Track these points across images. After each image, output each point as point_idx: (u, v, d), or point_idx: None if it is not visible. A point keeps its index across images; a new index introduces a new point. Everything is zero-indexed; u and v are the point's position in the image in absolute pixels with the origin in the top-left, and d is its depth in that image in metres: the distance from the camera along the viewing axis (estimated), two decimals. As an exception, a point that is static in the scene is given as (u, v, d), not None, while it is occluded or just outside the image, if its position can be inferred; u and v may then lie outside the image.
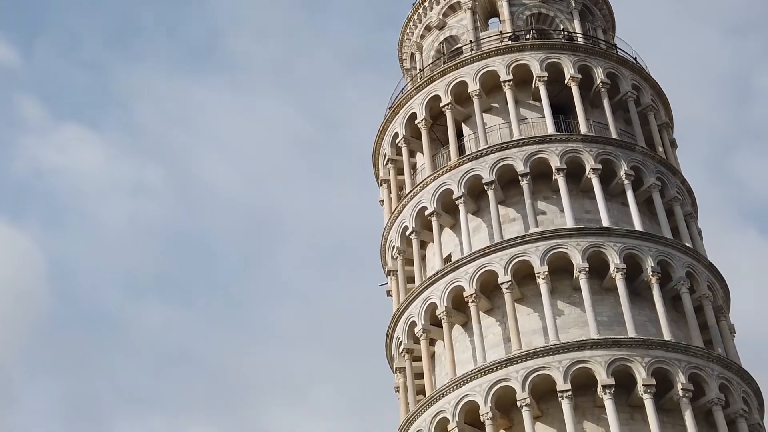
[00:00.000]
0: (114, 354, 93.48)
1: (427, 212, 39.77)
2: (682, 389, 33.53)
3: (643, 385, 33.33)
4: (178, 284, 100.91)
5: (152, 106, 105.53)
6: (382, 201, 44.22)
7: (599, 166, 38.45)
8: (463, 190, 39.03)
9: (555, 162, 38.40)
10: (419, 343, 37.89)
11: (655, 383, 33.42)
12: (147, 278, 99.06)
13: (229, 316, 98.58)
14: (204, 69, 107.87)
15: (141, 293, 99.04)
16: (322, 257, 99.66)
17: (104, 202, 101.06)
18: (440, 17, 45.80)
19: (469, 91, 41.11)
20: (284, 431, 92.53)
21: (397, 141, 43.16)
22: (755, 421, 35.18)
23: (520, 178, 38.38)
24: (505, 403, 34.38)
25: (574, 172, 38.62)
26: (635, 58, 43.12)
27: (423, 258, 40.76)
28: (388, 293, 41.95)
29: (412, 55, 47.22)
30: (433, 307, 37.53)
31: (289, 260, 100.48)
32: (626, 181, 38.56)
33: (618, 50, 43.26)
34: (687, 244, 38.20)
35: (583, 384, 33.72)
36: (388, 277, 42.00)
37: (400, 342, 38.71)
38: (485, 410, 34.06)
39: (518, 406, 33.74)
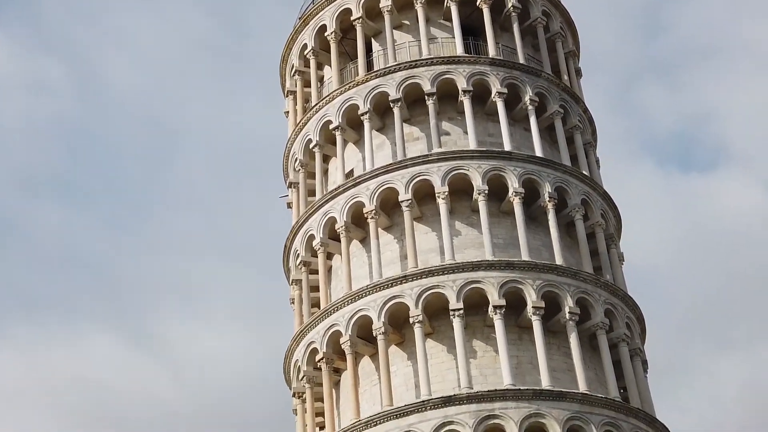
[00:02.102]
0: (9, 256, 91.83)
1: (331, 126, 39.67)
2: (569, 313, 34.49)
3: (532, 307, 34.17)
4: (76, 186, 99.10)
5: (57, 2, 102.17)
6: (287, 112, 43.91)
7: (505, 90, 38.76)
8: (368, 106, 38.99)
9: (462, 83, 38.57)
10: (317, 257, 38.09)
11: (544, 306, 34.30)
12: (44, 179, 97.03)
13: (128, 220, 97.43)
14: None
15: (38, 194, 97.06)
16: (224, 166, 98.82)
17: (1, 98, 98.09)
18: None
19: (380, 6, 40.83)
20: (180, 340, 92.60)
21: (305, 52, 42.76)
22: (636, 346, 36.46)
23: (426, 97, 38.48)
24: (397, 319, 34.93)
25: (480, 94, 38.86)
26: (547, -16, 43.23)
27: (325, 172, 40.79)
28: (289, 205, 41.95)
29: (326, -35, 46.48)
30: (332, 221, 37.69)
31: (191, 166, 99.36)
32: (530, 107, 39.00)
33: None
34: (584, 172, 38.97)
35: (475, 304, 34.42)
36: (290, 189, 41.96)
37: (298, 254, 38.86)
38: (378, 325, 34.55)
39: (411, 322, 34.30)
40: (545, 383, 32.90)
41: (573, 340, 34.13)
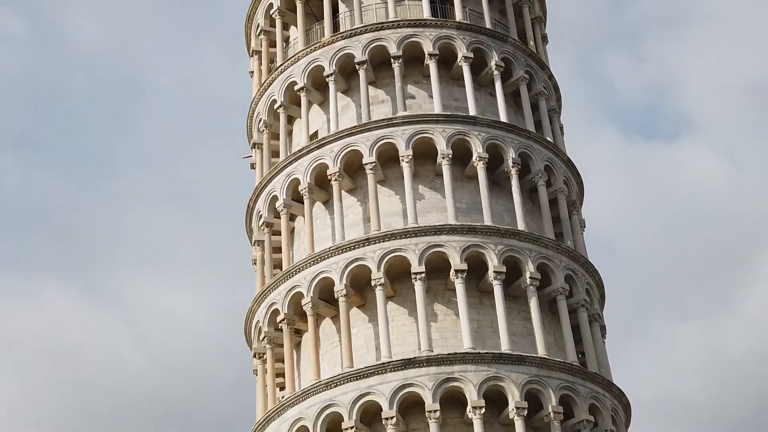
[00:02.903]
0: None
1: (296, 87, 39.47)
2: (530, 278, 34.73)
3: (493, 271, 34.37)
4: (37, 141, 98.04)
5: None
6: (252, 72, 43.61)
7: (471, 55, 38.73)
8: (334, 67, 38.82)
9: (428, 47, 38.49)
10: (279, 218, 38.04)
11: (505, 270, 34.51)
12: (5, 133, 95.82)
13: (89, 176, 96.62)
14: None
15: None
16: (188, 124, 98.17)
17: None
18: None
19: (347, -33, 40.57)
20: (141, 297, 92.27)
21: (271, 12, 42.43)
22: (595, 312, 36.83)
23: (392, 60, 38.37)
24: (359, 281, 35.01)
25: (446, 58, 38.81)
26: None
27: (289, 133, 40.65)
28: (252, 166, 41.76)
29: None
30: (295, 182, 37.60)
31: (155, 124, 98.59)
32: (496, 72, 39.01)
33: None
34: (548, 139, 39.10)
35: (437, 267, 34.56)
36: (253, 150, 41.78)
37: (261, 215, 38.77)
38: (340, 287, 34.62)
39: (372, 285, 34.40)
40: (505, 347, 33.18)
41: (533, 304, 34.41)
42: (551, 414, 32.46)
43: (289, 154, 38.63)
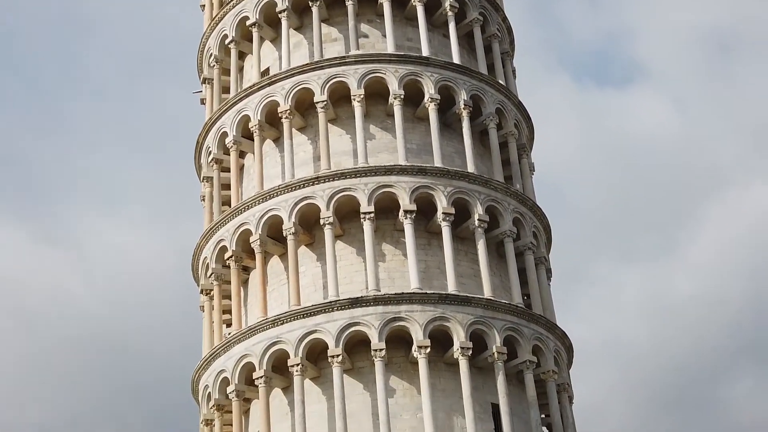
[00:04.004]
0: None
1: (248, 22, 38.99)
2: (478, 220, 34.94)
3: (442, 213, 34.51)
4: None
5: None
6: (203, 6, 42.95)
7: (425, -6, 38.48)
8: (287, 3, 38.39)
9: (382, -15, 38.15)
10: (229, 155, 37.76)
11: (454, 212, 34.67)
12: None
13: (39, 114, 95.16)
14: None
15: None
16: (138, 59, 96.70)
17: None
18: None
19: None
20: (89, 234, 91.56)
21: (223, -55, 41.70)
22: (541, 255, 37.20)
23: (345, -3, 38.01)
24: (308, 219, 35.00)
25: (401, -2, 38.54)
26: None
27: (240, 69, 40.23)
28: (202, 101, 41.36)
29: None
30: (246, 119, 37.31)
31: (104, 60, 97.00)
32: (450, 13, 38.81)
33: None
34: (500, 82, 39.10)
35: (386, 207, 34.63)
36: (204, 85, 41.32)
37: (210, 151, 38.48)
38: (288, 225, 34.58)
39: (321, 224, 34.40)
40: (451, 288, 33.45)
41: (480, 247, 34.66)
42: (495, 354, 32.88)
43: (239, 90, 38.26)
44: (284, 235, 34.71)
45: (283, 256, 35.31)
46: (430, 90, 36.57)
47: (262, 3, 38.76)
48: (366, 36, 38.28)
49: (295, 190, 34.99)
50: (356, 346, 32.86)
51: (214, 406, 34.60)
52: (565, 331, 35.86)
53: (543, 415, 34.84)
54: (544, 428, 34.96)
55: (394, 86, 36.36)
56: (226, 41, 39.65)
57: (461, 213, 35.00)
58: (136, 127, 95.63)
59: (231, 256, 35.66)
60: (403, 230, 34.37)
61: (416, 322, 32.56)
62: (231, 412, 34.19)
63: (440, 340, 32.81)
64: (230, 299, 36.06)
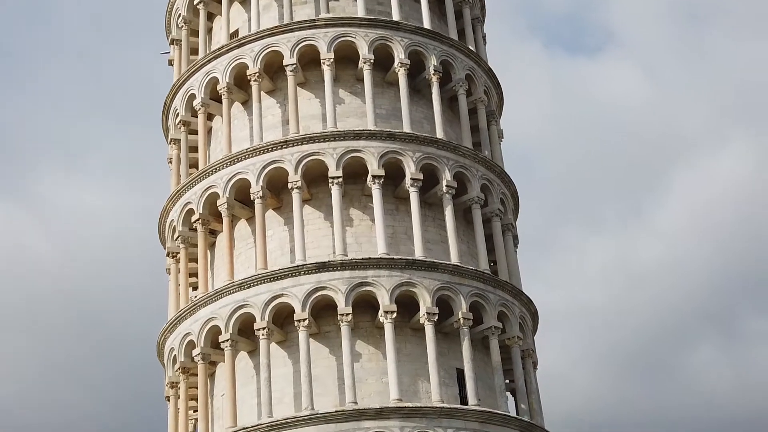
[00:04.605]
0: None
1: (217, -17, 38.60)
2: (446, 186, 34.97)
3: (411, 178, 34.51)
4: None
5: None
6: (172, -34, 42.40)
7: (396, -41, 38.20)
8: (257, -35, 37.99)
9: (353, -52, 37.84)
10: (197, 117, 37.50)
11: (422, 178, 34.68)
12: None
13: (5, 74, 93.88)
14: None
15: None
16: (105, 20, 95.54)
17: None
18: None
19: None
20: (55, 194, 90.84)
21: None
22: (509, 222, 37.34)
23: (316, -40, 37.66)
24: (276, 183, 34.88)
25: (372, -39, 38.23)
26: None
27: (209, 31, 39.84)
28: (170, 63, 40.96)
29: None
30: (214, 81, 37.01)
31: (71, 20, 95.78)
32: (420, -23, 38.60)
33: None
34: (470, 48, 38.99)
35: (355, 173, 34.57)
36: (172, 46, 40.92)
37: (178, 113, 38.17)
38: (256, 189, 34.46)
39: (289, 188, 34.30)
40: (418, 253, 33.52)
41: (448, 212, 34.72)
42: (461, 320, 33.05)
43: (208, 52, 37.92)
44: (252, 198, 34.59)
45: (251, 219, 35.22)
46: (400, 55, 36.43)
47: (232, -36, 38.35)
48: (336, -1, 38.01)
49: (263, 153, 34.83)
50: (323, 310, 32.91)
51: (179, 368, 34.58)
52: (530, 297, 36.09)
53: (507, 381, 35.15)
54: (508, 393, 35.29)
55: (364, 50, 36.17)
56: (195, 2, 39.25)
57: (429, 179, 35.02)
58: (103, 87, 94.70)
59: (198, 219, 35.51)
60: (371, 195, 34.36)
61: (383, 287, 32.64)
62: (196, 375, 34.19)
63: (406, 305, 32.92)
64: (197, 262, 35.95)
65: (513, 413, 34.01)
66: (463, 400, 32.65)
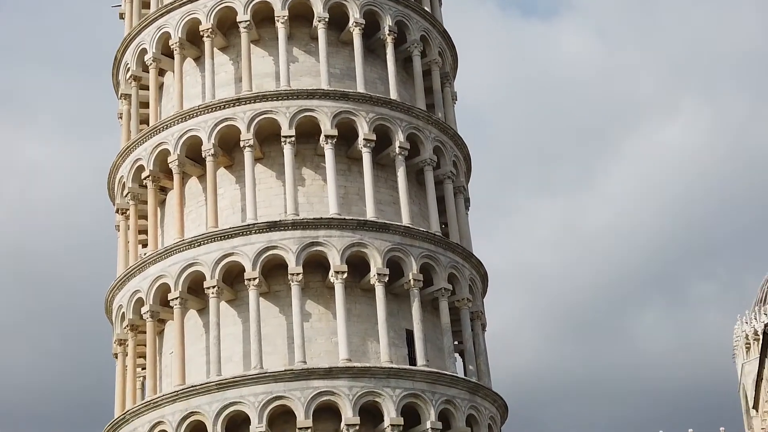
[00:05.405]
0: None
1: (170, -64, 37.91)
2: (399, 147, 34.93)
3: (363, 139, 34.42)
4: None
5: None
6: None
7: None
8: None
9: None
10: (148, 72, 37.00)
11: (375, 139, 34.60)
12: None
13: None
14: None
15: None
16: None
17: None
18: None
19: None
20: (2, 151, 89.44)
21: None
22: (460, 184, 37.44)
23: None
24: (228, 141, 34.63)
25: None
26: None
27: (162, -16, 39.20)
28: (121, 16, 40.28)
29: None
30: (166, 36, 36.50)
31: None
32: (376, -63, 38.21)
33: None
34: (425, 9, 38.80)
35: (307, 132, 34.40)
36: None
37: (128, 68, 37.63)
38: (208, 146, 34.18)
39: (241, 146, 34.07)
40: (370, 214, 33.54)
41: (400, 174, 34.72)
42: (411, 281, 33.19)
43: (160, 6, 37.35)
44: (203, 156, 34.32)
45: (202, 177, 34.96)
46: (354, 14, 36.18)
47: None
48: (291, -44, 37.51)
49: (215, 111, 34.52)
50: (273, 269, 32.86)
51: (127, 326, 34.40)
52: (480, 260, 36.30)
53: (456, 342, 35.42)
54: (457, 354, 35.58)
55: (318, 9, 35.87)
56: (146, -45, 38.58)
57: (382, 140, 34.95)
58: (52, 40, 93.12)
59: (148, 176, 35.18)
60: (324, 155, 34.26)
61: (334, 248, 32.64)
62: (145, 332, 34.05)
63: (357, 265, 32.97)
64: (146, 219, 35.67)
65: (461, 374, 34.32)
66: (412, 360, 32.87)
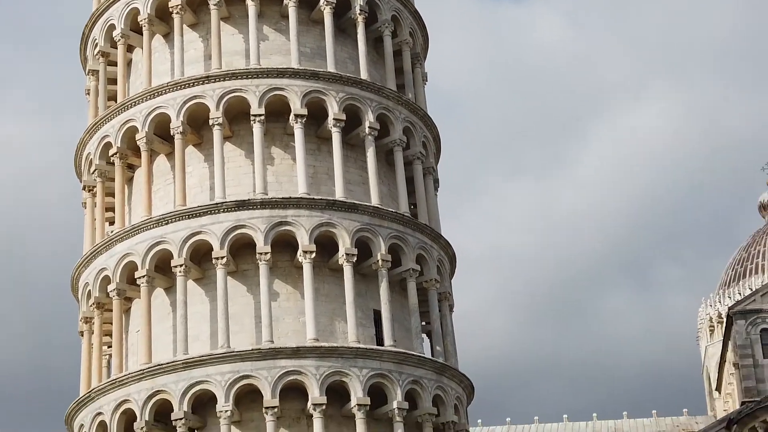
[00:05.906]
0: None
1: None
2: (369, 127, 34.87)
3: (333, 118, 34.33)
4: None
5: None
6: None
7: None
8: None
9: None
10: (116, 48, 36.66)
11: (345, 118, 34.52)
12: None
13: None
14: None
15: None
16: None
17: None
18: None
19: None
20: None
21: None
22: (430, 165, 37.45)
23: None
24: (197, 119, 34.43)
25: None
26: None
27: (131, -41, 38.78)
28: (90, -9, 39.85)
29: None
30: (135, 12, 36.15)
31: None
32: None
33: None
34: (397, -12, 38.66)
35: (277, 111, 34.26)
36: (91, -26, 39.81)
37: (97, 44, 37.27)
38: (176, 124, 33.97)
39: (210, 124, 33.89)
40: (339, 194, 33.51)
41: (370, 154, 34.68)
42: (379, 261, 33.22)
43: (128, -19, 36.99)
44: (172, 133, 34.11)
45: (170, 155, 34.76)
46: (325, -7, 35.99)
47: None
48: (262, -67, 37.25)
49: (184, 88, 34.30)
50: (241, 248, 32.78)
51: (94, 304, 34.22)
52: (449, 240, 36.38)
53: (423, 323, 35.53)
54: (424, 335, 35.70)
55: (289, -13, 35.65)
56: (116, -71, 38.09)
57: (352, 119, 34.88)
58: (19, 14, 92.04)
59: (116, 153, 34.93)
60: (293, 134, 34.16)
61: (302, 227, 32.59)
62: (111, 310, 33.88)
63: (326, 245, 32.95)
64: (114, 197, 35.45)
65: (428, 355, 34.43)
66: (380, 341, 32.94)
